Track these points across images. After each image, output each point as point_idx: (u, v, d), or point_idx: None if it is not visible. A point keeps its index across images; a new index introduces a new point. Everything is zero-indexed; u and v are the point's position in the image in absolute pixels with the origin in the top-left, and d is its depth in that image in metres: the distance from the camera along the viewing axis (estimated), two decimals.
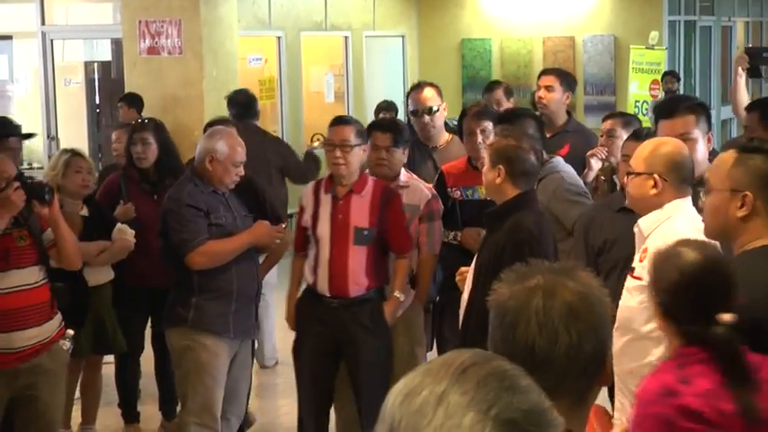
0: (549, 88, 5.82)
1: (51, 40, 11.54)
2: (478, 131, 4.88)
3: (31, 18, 11.68)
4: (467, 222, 4.88)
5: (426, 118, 5.54)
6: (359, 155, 4.54)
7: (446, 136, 5.65)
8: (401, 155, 4.98)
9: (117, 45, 11.25)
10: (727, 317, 2.59)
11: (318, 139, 12.14)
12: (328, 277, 4.51)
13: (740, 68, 6.51)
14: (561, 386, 1.70)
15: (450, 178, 4.97)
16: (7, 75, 12.57)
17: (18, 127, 6.32)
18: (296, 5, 12.25)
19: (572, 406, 1.74)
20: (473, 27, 13.54)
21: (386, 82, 13.53)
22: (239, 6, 10.84)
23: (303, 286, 4.98)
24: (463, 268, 4.08)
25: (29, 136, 6.31)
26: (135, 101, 8.39)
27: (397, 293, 4.56)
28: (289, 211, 10.92)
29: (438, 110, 5.54)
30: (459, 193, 4.96)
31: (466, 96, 13.08)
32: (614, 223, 3.94)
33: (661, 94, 10.36)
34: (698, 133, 4.06)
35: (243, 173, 4.72)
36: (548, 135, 5.58)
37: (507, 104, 6.32)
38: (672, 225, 3.41)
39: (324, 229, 4.52)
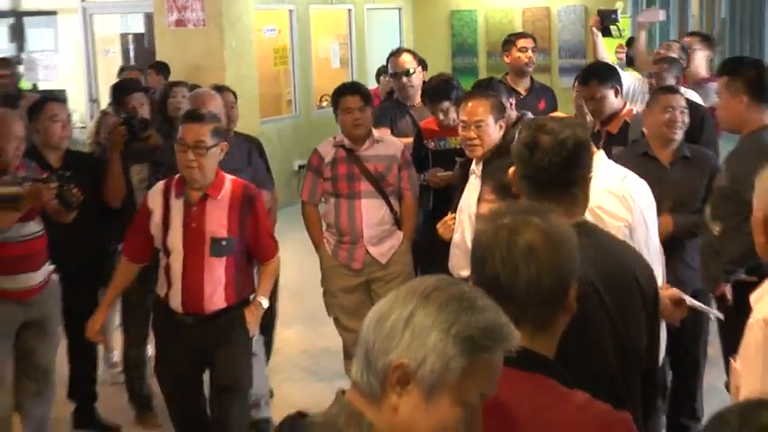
0: (534, 49, 6.12)
1: (91, 15, 11.69)
2: (439, 111, 4.90)
3: None
4: (436, 167, 4.92)
5: (404, 79, 5.53)
6: (216, 156, 3.78)
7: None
8: (370, 113, 4.73)
9: (149, 18, 11.34)
10: None
11: (326, 100, 11.26)
12: (181, 293, 3.77)
13: (595, 29, 6.56)
14: (524, 314, 1.69)
15: (426, 132, 5.02)
16: (53, 46, 12.50)
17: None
18: None
19: (535, 331, 1.75)
20: (461, 0, 13.55)
21: (385, 49, 9.99)
22: None
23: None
24: (447, 217, 3.95)
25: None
26: (163, 68, 8.36)
27: (260, 299, 3.93)
28: (301, 163, 10.08)
29: (414, 72, 5.51)
30: (433, 144, 4.99)
31: (455, 60, 13.20)
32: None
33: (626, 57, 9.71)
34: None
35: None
36: (524, 94, 5.91)
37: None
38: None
39: (176, 239, 3.76)
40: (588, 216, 2.45)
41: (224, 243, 3.73)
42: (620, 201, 2.99)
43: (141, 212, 3.90)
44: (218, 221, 3.73)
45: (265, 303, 3.90)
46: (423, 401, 1.41)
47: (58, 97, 6.50)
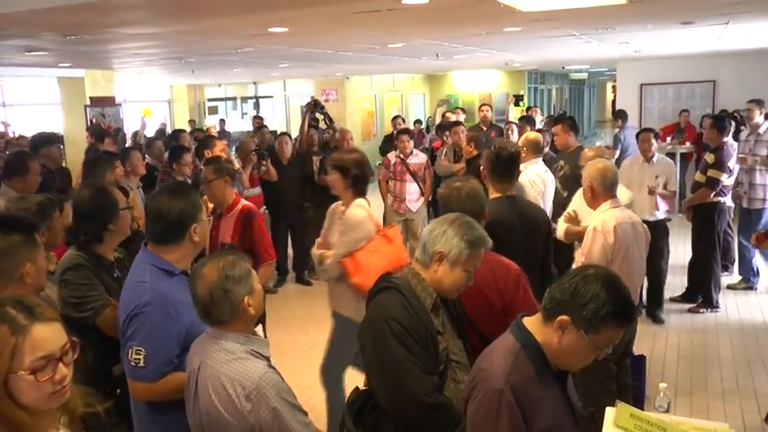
0: (488, 110, 9.42)
1: (288, 97, 18.45)
2: (443, 136, 7.61)
3: (280, 89, 18.77)
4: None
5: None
6: (220, 186, 4.43)
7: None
8: (412, 142, 7.08)
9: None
10: None
11: (399, 124, 11.81)
12: None
13: (512, 103, 10.58)
14: None
15: (435, 146, 8.00)
16: (270, 112, 18.69)
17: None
18: (382, 80, 17.62)
19: None
20: (451, 89, 19.27)
21: (417, 113, 18.44)
22: (359, 80, 16.77)
23: None
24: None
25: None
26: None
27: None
28: (378, 162, 9.90)
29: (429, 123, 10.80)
30: (436, 152, 7.51)
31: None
32: None
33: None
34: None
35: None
36: (485, 129, 8.99)
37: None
38: (525, 173, 4.72)
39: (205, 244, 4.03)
40: (528, 185, 4.10)
41: (227, 247, 4.19)
42: (538, 181, 4.74)
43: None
44: (226, 231, 4.38)
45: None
46: (449, 269, 2.24)
47: (276, 132, 9.71)
